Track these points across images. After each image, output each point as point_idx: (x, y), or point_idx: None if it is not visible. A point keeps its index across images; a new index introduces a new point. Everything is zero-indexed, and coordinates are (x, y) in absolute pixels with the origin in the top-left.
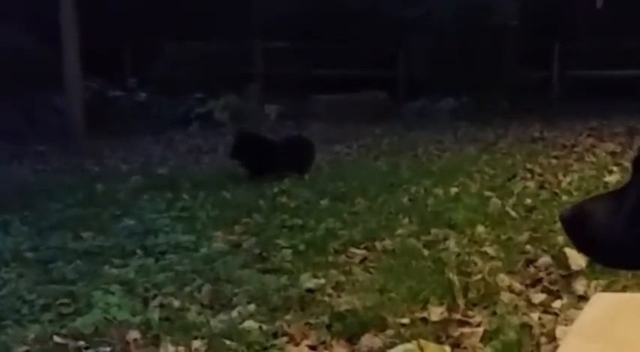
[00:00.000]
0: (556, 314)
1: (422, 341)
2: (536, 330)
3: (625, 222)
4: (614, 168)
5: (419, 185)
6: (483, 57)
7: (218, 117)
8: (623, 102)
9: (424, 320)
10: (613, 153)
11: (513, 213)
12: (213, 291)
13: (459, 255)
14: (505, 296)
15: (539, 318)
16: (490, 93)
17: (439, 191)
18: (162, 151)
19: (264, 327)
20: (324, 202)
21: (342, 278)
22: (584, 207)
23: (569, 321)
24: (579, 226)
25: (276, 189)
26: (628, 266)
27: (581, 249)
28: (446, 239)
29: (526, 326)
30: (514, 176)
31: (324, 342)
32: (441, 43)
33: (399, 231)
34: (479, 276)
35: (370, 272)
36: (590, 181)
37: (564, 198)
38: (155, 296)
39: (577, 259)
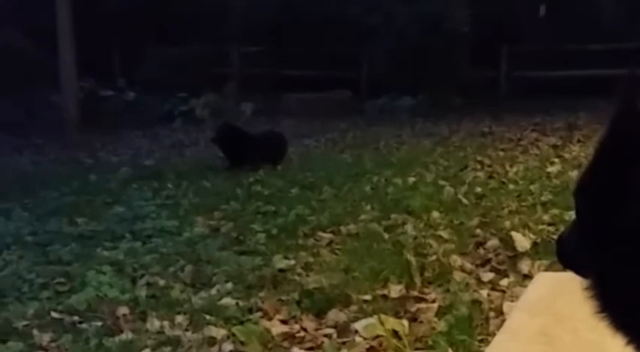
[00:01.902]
0: (503, 292)
1: (382, 316)
2: (486, 306)
3: (577, 239)
4: (556, 160)
5: (380, 175)
6: (438, 59)
7: (199, 114)
8: (563, 100)
9: (384, 296)
10: (555, 146)
11: (465, 200)
12: (194, 271)
13: (415, 238)
14: (457, 275)
15: (488, 295)
16: (444, 92)
17: (398, 180)
18: (149, 145)
19: (241, 303)
20: (294, 191)
21: (311, 259)
22: (564, 231)
23: (515, 298)
24: (558, 243)
25: (251, 179)
26: (581, 272)
27: (559, 259)
28: (404, 223)
29: (476, 302)
30: (465, 167)
31: (294, 317)
32: (400, 46)
33: (362, 217)
34: (434, 257)
35: (336, 254)
36: (534, 171)
37: (511, 186)
38: (142, 275)
39: (522, 242)
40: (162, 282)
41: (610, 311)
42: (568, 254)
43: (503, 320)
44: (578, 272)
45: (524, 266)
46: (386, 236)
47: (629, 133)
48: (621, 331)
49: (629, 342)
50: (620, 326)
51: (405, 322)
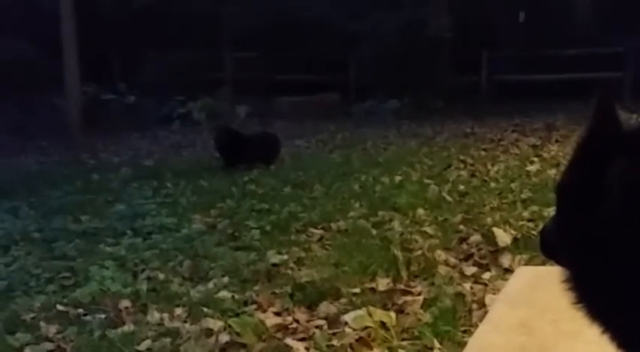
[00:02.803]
0: (485, 285)
1: (371, 308)
2: (469, 298)
3: (558, 233)
4: (535, 159)
5: (368, 174)
6: (422, 64)
7: (196, 117)
8: (541, 103)
9: (373, 290)
10: (534, 146)
11: (449, 198)
12: (192, 266)
13: (402, 234)
14: (442, 269)
15: (471, 288)
16: (428, 95)
17: (385, 179)
18: (148, 146)
19: (236, 296)
20: (287, 189)
21: (303, 254)
22: (547, 223)
23: (496, 290)
24: (541, 235)
25: (246, 178)
26: (561, 263)
27: (541, 251)
28: (391, 220)
29: (460, 295)
30: (449, 166)
31: (287, 309)
32: (386, 52)
33: (351, 214)
34: (419, 252)
35: (327, 249)
36: (515, 170)
37: (492, 184)
38: (143, 270)
39: (503, 237)
40: (161, 276)
41: (586, 302)
42: (550, 245)
43: (486, 312)
44: (558, 262)
45: (505, 260)
46: (374, 232)
47: (606, 136)
48: (597, 321)
49: (604, 332)
50: (596, 316)
51: (393, 314)
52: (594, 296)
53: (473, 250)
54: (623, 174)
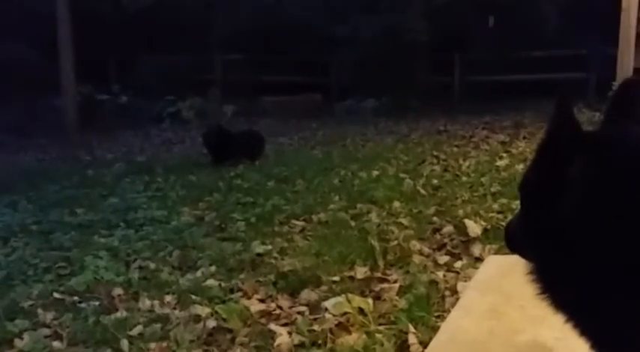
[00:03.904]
0: (457, 273)
1: (350, 295)
2: (442, 285)
3: (522, 228)
4: (504, 155)
5: (347, 169)
6: (398, 65)
7: (185, 116)
8: (510, 102)
9: (351, 278)
10: (503, 143)
11: (423, 191)
12: (181, 256)
13: (379, 225)
14: (416, 258)
15: (444, 276)
16: (404, 95)
17: (363, 174)
18: (141, 143)
19: (223, 284)
20: (270, 183)
21: (286, 244)
22: (511, 219)
23: (467, 278)
24: (506, 230)
25: (232, 173)
26: (525, 256)
27: (506, 245)
28: (369, 212)
29: (433, 283)
30: (423, 161)
31: (271, 296)
32: (365, 54)
33: (331, 206)
34: (395, 242)
35: (308, 240)
36: (485, 165)
37: (464, 178)
38: (135, 260)
39: (474, 228)
40: (152, 266)
41: (550, 293)
42: (514, 240)
43: (458, 299)
44: (522, 256)
45: (476, 249)
46: (352, 223)
47: (566, 136)
48: (561, 310)
49: (567, 320)
50: (560, 306)
51: (370, 300)
52: (557, 287)
53: (445, 240)
54: (583, 173)
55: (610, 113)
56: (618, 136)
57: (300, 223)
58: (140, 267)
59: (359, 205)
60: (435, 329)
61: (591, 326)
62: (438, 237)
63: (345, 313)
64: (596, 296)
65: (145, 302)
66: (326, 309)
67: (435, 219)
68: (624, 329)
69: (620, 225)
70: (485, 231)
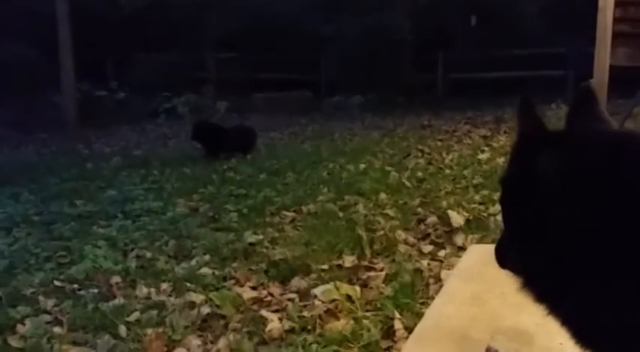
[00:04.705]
0: (441, 261)
1: (338, 283)
2: (426, 274)
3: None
4: (486, 148)
5: (335, 162)
6: (384, 63)
7: (180, 111)
8: (491, 98)
9: (339, 266)
10: (484, 137)
11: (408, 183)
12: (177, 245)
13: (366, 216)
14: (402, 248)
15: (428, 264)
16: (390, 91)
17: (351, 167)
18: (137, 137)
19: (217, 273)
20: (262, 176)
21: (277, 234)
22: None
23: (451, 266)
24: (496, 251)
25: (225, 166)
26: (512, 268)
27: (498, 263)
28: (356, 204)
29: (418, 271)
30: (408, 155)
31: (262, 284)
32: (352, 52)
33: (320, 198)
34: (381, 232)
35: (298, 230)
36: (467, 158)
37: (447, 171)
38: (132, 249)
39: (457, 218)
40: (149, 255)
41: (529, 287)
42: (502, 256)
43: (441, 286)
44: (512, 270)
45: (459, 239)
46: (340, 214)
47: (532, 136)
48: (541, 304)
49: (549, 313)
50: (541, 300)
51: (357, 288)
52: (537, 280)
53: (430, 230)
54: (552, 168)
55: (572, 115)
56: (583, 133)
57: (291, 214)
58: (137, 256)
59: (347, 197)
60: (419, 315)
61: (573, 317)
62: (422, 227)
63: (334, 300)
64: (575, 287)
65: (142, 290)
66: (315, 296)
67: (419, 210)
68: (605, 318)
69: (591, 212)
70: (467, 221)
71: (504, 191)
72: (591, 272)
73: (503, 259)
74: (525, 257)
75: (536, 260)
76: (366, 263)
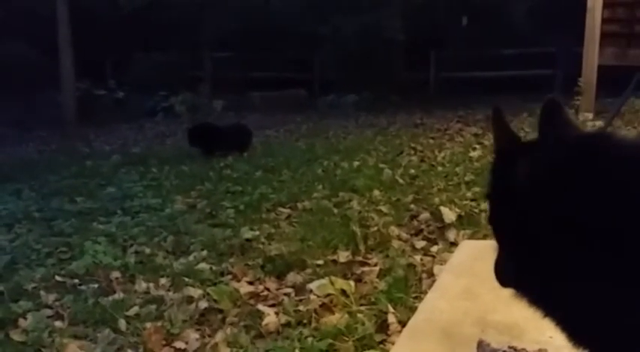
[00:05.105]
0: (433, 257)
1: (333, 278)
2: (419, 269)
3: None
4: (477, 146)
5: (330, 160)
6: (378, 62)
7: (177, 110)
8: (482, 96)
9: (334, 261)
10: (476, 135)
11: (401, 180)
12: (175, 241)
13: (360, 212)
14: (395, 243)
15: (421, 259)
16: (383, 90)
17: (345, 164)
18: (135, 136)
19: (214, 268)
20: (258, 173)
21: (273, 230)
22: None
23: (443, 262)
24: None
25: (222, 164)
26: (512, 286)
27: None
28: (350, 200)
29: (411, 266)
30: (401, 152)
31: (259, 279)
32: (346, 52)
33: (315, 195)
34: (375, 228)
35: (293, 226)
36: (459, 156)
37: (439, 168)
38: (131, 245)
39: (449, 215)
40: (148, 250)
41: (521, 291)
42: (503, 277)
43: (434, 281)
44: (508, 286)
45: (451, 235)
46: (335, 211)
47: (508, 150)
48: (536, 307)
49: (545, 316)
50: (534, 304)
51: (352, 282)
52: (537, 291)
53: (422, 226)
54: (526, 173)
55: (542, 125)
56: (554, 139)
57: (286, 210)
58: (136, 252)
59: (341, 193)
60: (412, 310)
61: (568, 319)
62: (415, 223)
63: (329, 294)
64: (559, 283)
65: (141, 285)
66: (311, 291)
67: (412, 206)
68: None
69: (571, 212)
70: (459, 217)
71: (491, 207)
72: (582, 276)
73: (504, 279)
74: (523, 272)
75: (534, 273)
76: (360, 258)
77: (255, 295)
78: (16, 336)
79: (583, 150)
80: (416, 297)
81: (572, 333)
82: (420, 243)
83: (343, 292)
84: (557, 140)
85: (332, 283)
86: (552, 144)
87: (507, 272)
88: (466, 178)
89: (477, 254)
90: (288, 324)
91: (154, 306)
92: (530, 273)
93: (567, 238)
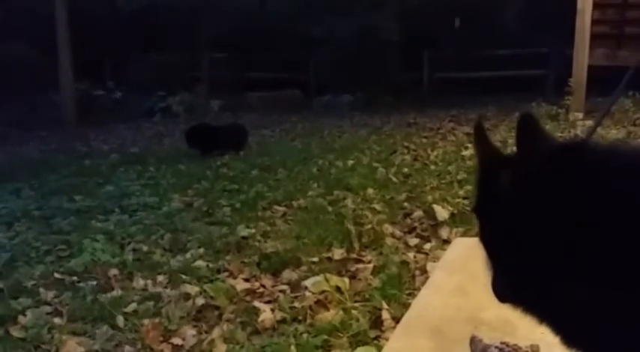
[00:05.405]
0: (427, 254)
1: (327, 275)
2: (412, 266)
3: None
4: (469, 145)
5: (325, 159)
6: (372, 63)
7: (175, 110)
8: (475, 96)
9: (329, 259)
10: (468, 134)
11: (394, 179)
12: (172, 239)
13: (354, 210)
14: (389, 241)
15: (414, 257)
16: (377, 90)
17: (339, 163)
18: (134, 135)
19: (210, 265)
20: (254, 172)
21: (268, 228)
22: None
23: (436, 259)
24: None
25: (218, 163)
26: (510, 301)
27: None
28: (345, 198)
29: (405, 263)
30: (395, 151)
31: (255, 276)
32: (341, 53)
33: (310, 193)
34: (369, 226)
35: (289, 224)
36: (451, 155)
37: (432, 167)
38: (129, 242)
39: (442, 213)
40: (145, 248)
41: (511, 299)
42: (501, 293)
43: (427, 278)
44: (507, 301)
45: (444, 232)
46: (330, 209)
47: (490, 163)
48: (530, 314)
49: (541, 322)
50: (528, 311)
51: (346, 279)
52: (533, 301)
53: (416, 224)
54: (509, 184)
55: (519, 138)
56: (533, 150)
57: (282, 208)
58: (134, 249)
59: (336, 192)
60: (406, 306)
61: (560, 323)
62: (408, 221)
63: (324, 291)
64: (548, 289)
65: (139, 282)
66: (306, 288)
67: (405, 204)
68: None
69: (554, 219)
70: (452, 215)
71: (480, 222)
72: (572, 280)
73: (502, 294)
74: (516, 283)
75: (526, 281)
76: (354, 255)
77: (251, 292)
78: (15, 333)
79: (561, 157)
80: (409, 294)
81: (567, 337)
82: (414, 241)
83: (338, 289)
84: (535, 149)
85: (327, 280)
86: (531, 153)
87: (503, 287)
88: (458, 176)
89: (470, 251)
90: (283, 320)
91: (151, 303)
92: (523, 282)
93: (554, 243)
